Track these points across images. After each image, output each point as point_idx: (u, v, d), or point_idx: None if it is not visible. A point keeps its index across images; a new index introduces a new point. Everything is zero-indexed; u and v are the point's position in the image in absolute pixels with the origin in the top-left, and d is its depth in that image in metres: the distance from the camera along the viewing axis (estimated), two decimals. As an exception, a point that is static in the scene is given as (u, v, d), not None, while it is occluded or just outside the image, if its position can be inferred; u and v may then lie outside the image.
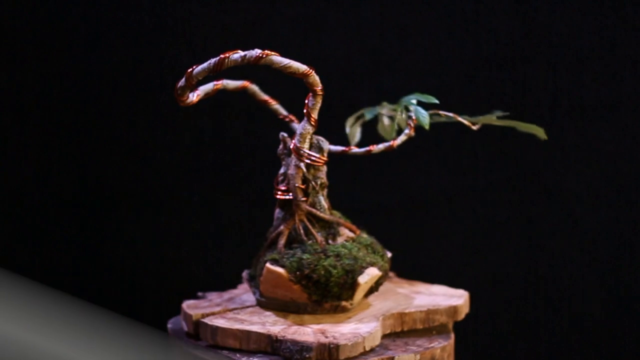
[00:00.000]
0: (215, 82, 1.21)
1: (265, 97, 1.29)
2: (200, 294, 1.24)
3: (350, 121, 1.28)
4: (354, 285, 1.08)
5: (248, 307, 1.14)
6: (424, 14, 1.58)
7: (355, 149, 1.19)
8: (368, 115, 1.24)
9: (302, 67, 1.10)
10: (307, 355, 1.00)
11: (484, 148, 1.63)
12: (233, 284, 1.30)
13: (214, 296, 1.21)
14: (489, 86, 1.60)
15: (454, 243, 1.65)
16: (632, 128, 1.58)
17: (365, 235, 1.16)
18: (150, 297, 1.69)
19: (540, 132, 1.21)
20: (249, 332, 1.04)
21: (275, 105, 1.29)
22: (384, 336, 1.08)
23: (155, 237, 1.67)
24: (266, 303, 1.12)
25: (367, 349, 1.02)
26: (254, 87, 1.29)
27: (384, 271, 1.12)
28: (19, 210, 1.65)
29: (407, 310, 1.10)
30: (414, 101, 1.19)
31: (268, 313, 1.11)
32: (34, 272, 1.67)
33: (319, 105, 1.11)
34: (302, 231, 1.11)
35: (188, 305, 1.16)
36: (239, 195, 1.66)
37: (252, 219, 1.65)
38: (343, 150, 1.19)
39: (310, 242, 1.10)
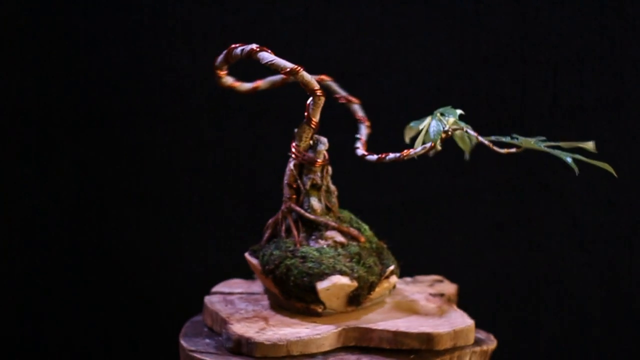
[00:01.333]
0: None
1: (342, 93, 1.25)
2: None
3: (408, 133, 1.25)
4: (314, 290, 1.07)
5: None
6: (424, 14, 1.58)
7: (390, 155, 1.17)
8: (414, 125, 1.19)
9: (287, 66, 1.10)
10: (227, 345, 1.03)
11: (484, 148, 1.62)
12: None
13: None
14: (489, 86, 1.59)
15: (454, 243, 1.65)
16: (632, 128, 1.58)
17: (373, 243, 1.14)
18: (150, 296, 1.69)
19: (607, 168, 1.16)
20: (217, 313, 1.12)
21: (354, 105, 1.26)
22: (354, 348, 1.06)
23: (155, 237, 1.67)
24: (266, 291, 1.17)
25: (294, 353, 1.01)
26: (330, 82, 1.25)
27: (363, 282, 1.08)
28: (19, 211, 1.65)
29: (373, 327, 1.06)
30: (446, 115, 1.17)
31: (264, 303, 1.14)
32: (34, 273, 1.67)
33: (317, 105, 1.11)
34: (282, 227, 1.12)
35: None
36: (239, 195, 1.66)
37: (252, 219, 1.65)
38: (379, 158, 1.16)
39: (287, 239, 1.11)
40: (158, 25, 1.60)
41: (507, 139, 1.11)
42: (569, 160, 1.07)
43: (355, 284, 1.07)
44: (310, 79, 1.10)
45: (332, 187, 1.16)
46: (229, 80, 1.21)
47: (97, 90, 1.62)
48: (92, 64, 1.61)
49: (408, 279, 1.28)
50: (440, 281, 1.28)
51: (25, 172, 1.63)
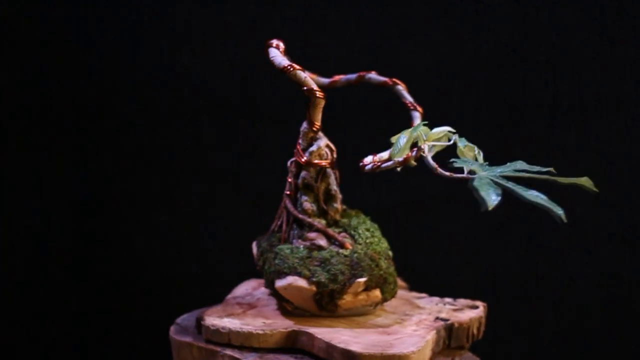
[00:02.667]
0: (360, 73, 1.17)
1: (409, 99, 1.22)
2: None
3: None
4: (273, 287, 1.10)
5: None
6: (424, 14, 1.58)
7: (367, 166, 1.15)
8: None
9: (280, 64, 1.11)
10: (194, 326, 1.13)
11: (484, 148, 1.62)
12: (233, 283, 1.30)
13: None
14: (489, 86, 1.59)
15: (454, 243, 1.65)
16: (632, 128, 1.58)
17: (362, 254, 1.11)
18: (150, 296, 1.69)
19: (587, 183, 1.14)
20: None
21: (415, 112, 1.22)
22: (300, 352, 1.06)
23: (155, 237, 1.67)
24: None
25: (235, 343, 1.07)
26: (400, 88, 1.22)
27: (322, 288, 1.07)
28: (19, 211, 1.65)
29: (315, 334, 1.05)
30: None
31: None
32: (34, 273, 1.67)
33: (314, 106, 1.11)
34: (277, 221, 1.15)
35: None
36: (239, 195, 1.66)
37: (252, 219, 1.65)
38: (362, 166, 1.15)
39: (277, 233, 1.15)
40: (158, 25, 1.60)
41: (468, 165, 1.07)
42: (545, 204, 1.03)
43: (313, 288, 1.07)
44: (305, 78, 1.10)
45: (334, 190, 1.15)
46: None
47: (97, 90, 1.62)
48: (92, 64, 1.61)
49: (447, 299, 1.20)
50: (475, 307, 1.18)
51: (26, 172, 1.63)
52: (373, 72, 1.21)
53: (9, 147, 1.63)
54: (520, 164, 1.02)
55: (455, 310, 1.14)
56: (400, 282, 1.24)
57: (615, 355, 1.65)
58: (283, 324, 1.08)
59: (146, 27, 1.60)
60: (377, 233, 1.15)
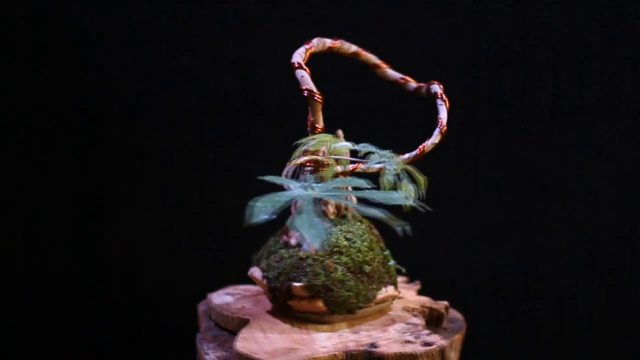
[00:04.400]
0: (332, 41, 1.17)
1: (377, 61, 1.24)
2: None
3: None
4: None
5: None
6: (424, 14, 1.58)
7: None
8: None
9: (292, 60, 1.13)
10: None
11: (484, 148, 1.63)
12: (232, 282, 1.30)
13: None
14: (489, 86, 1.60)
15: (454, 243, 1.65)
16: (632, 128, 1.58)
17: (319, 255, 1.10)
18: (150, 296, 1.69)
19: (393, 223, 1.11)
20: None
21: (386, 69, 1.24)
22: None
23: (155, 237, 1.67)
24: None
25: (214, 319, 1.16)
26: (367, 54, 1.24)
27: (269, 284, 1.09)
28: (19, 211, 1.65)
29: (245, 329, 1.09)
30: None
31: None
32: (34, 273, 1.67)
33: (312, 107, 1.12)
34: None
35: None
36: (239, 195, 1.66)
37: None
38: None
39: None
40: (158, 25, 1.60)
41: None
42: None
43: (264, 282, 1.12)
44: (302, 77, 1.11)
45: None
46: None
47: (97, 90, 1.62)
48: (92, 64, 1.61)
49: (424, 331, 1.12)
50: (429, 344, 1.05)
51: (26, 172, 1.63)
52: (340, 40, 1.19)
53: (9, 147, 1.63)
54: (357, 181, 0.98)
55: (405, 342, 1.05)
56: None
57: (616, 355, 1.65)
58: (250, 312, 1.12)
59: (146, 27, 1.60)
60: (360, 244, 1.11)
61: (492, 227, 1.64)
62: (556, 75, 1.58)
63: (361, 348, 1.01)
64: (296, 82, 1.12)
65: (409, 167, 1.09)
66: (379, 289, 1.11)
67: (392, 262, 1.15)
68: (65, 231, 1.66)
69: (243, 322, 1.11)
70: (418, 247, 1.66)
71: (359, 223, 1.14)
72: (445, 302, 1.16)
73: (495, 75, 1.59)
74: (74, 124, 1.63)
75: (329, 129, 1.16)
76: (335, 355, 1.00)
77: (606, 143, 1.59)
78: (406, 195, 1.09)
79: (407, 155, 1.15)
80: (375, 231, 1.16)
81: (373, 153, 1.08)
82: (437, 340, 1.03)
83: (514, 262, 1.64)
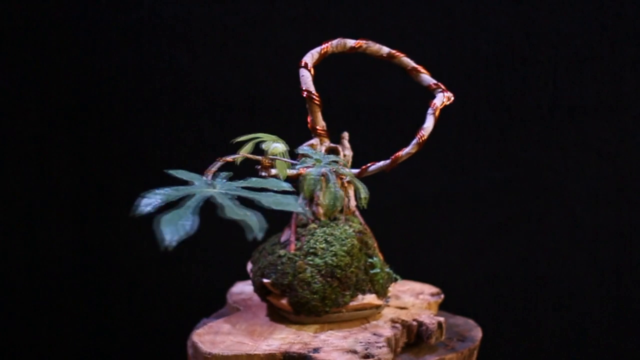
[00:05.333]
0: (356, 41, 1.16)
1: (414, 65, 1.21)
2: None
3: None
4: None
5: None
6: (424, 14, 1.59)
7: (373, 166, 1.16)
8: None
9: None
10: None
11: (484, 148, 1.63)
12: (230, 283, 1.30)
13: None
14: (489, 86, 1.60)
15: (454, 243, 1.65)
16: (632, 128, 1.58)
17: (295, 254, 1.10)
18: (149, 296, 1.69)
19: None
20: None
21: (421, 74, 1.21)
22: None
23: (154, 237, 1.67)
24: None
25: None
26: (402, 57, 1.21)
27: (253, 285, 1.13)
28: (19, 211, 1.65)
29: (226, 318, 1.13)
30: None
31: None
32: (34, 273, 1.67)
33: (310, 109, 1.12)
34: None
35: None
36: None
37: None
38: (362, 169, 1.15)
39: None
40: (158, 25, 1.60)
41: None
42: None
43: (250, 274, 1.16)
44: (301, 77, 1.11)
45: (316, 195, 1.15)
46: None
47: (97, 90, 1.62)
48: (92, 64, 1.61)
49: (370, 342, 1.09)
50: (369, 356, 1.05)
51: (25, 172, 1.63)
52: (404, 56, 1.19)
53: (9, 147, 1.63)
54: (254, 181, 0.97)
55: (349, 351, 1.02)
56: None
57: (616, 355, 1.65)
58: (251, 303, 1.16)
59: (146, 27, 1.60)
60: (338, 248, 1.10)
61: (492, 227, 1.64)
62: (556, 75, 1.58)
63: (301, 352, 1.00)
64: (297, 82, 1.12)
65: (353, 178, 1.07)
66: (354, 295, 1.09)
67: (375, 270, 1.11)
68: (65, 231, 1.66)
69: (236, 311, 1.14)
70: (418, 247, 1.66)
71: (346, 227, 1.12)
72: (441, 319, 1.10)
73: (495, 75, 1.59)
74: (74, 124, 1.63)
75: (330, 129, 1.16)
76: (274, 355, 1.00)
77: (606, 143, 1.59)
78: (324, 202, 1.06)
79: (381, 164, 1.14)
80: (367, 238, 1.14)
81: (308, 157, 1.07)
82: (382, 354, 1.00)
83: (514, 262, 1.64)
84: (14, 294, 1.68)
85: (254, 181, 0.97)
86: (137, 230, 1.67)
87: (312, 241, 1.10)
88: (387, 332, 1.06)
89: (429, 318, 1.10)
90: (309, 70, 1.12)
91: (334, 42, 1.15)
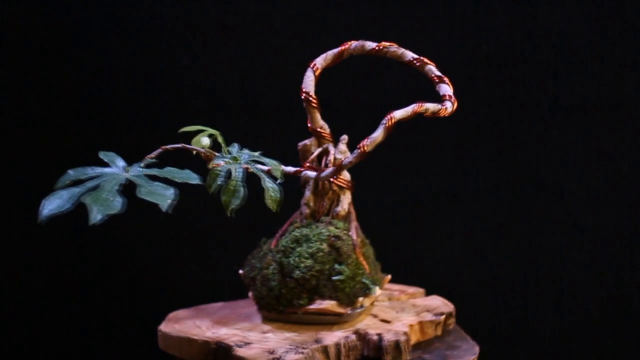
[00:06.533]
0: (375, 44, 1.14)
1: (438, 73, 1.18)
2: None
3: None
4: None
5: None
6: (424, 14, 1.58)
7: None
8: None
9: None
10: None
11: (484, 148, 1.63)
12: (232, 284, 1.30)
13: None
14: (489, 86, 1.60)
15: (454, 243, 1.65)
16: (632, 128, 1.58)
17: (272, 249, 1.12)
18: (149, 296, 1.69)
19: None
20: None
21: (440, 84, 1.18)
22: None
23: (155, 237, 1.67)
24: None
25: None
26: (430, 66, 1.19)
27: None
28: (19, 212, 1.65)
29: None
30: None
31: None
32: (34, 274, 1.67)
33: (308, 111, 1.13)
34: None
35: None
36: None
37: (251, 219, 1.65)
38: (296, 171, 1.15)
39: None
40: (158, 25, 1.60)
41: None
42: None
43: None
44: (305, 77, 1.11)
45: (306, 195, 1.15)
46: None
47: (97, 91, 1.62)
48: (92, 64, 1.61)
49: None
50: None
51: (25, 173, 1.63)
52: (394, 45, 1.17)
53: (8, 146, 1.63)
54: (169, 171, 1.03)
55: (268, 352, 1.02)
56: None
57: (616, 355, 1.65)
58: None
59: (146, 27, 1.60)
60: (303, 249, 1.10)
61: (492, 227, 1.64)
62: (556, 75, 1.58)
63: (231, 344, 1.03)
64: (297, 82, 1.12)
65: (264, 178, 1.06)
66: (311, 299, 1.08)
67: (338, 277, 1.08)
68: (65, 231, 1.66)
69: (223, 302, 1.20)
70: (418, 247, 1.66)
71: (322, 230, 1.11)
72: (402, 338, 1.05)
73: (495, 75, 1.59)
74: (74, 124, 1.63)
75: (332, 129, 1.16)
76: (208, 342, 1.04)
77: (606, 143, 1.59)
78: (222, 198, 1.07)
79: (309, 172, 1.13)
80: (343, 244, 1.10)
81: (219, 154, 1.10)
82: (290, 359, 1.00)
83: (514, 262, 1.64)
84: (14, 294, 1.68)
85: (165, 170, 1.02)
86: (137, 230, 1.67)
87: (285, 240, 1.11)
88: (331, 340, 1.04)
89: (393, 335, 1.06)
90: (314, 72, 1.12)
91: (354, 44, 1.14)
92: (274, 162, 1.08)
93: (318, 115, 1.13)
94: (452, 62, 1.59)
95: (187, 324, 1.11)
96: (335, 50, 1.14)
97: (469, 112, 1.61)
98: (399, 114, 1.08)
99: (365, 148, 1.06)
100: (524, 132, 1.61)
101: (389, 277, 1.16)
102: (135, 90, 1.62)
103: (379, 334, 1.05)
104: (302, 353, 1.01)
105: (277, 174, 1.06)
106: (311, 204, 1.14)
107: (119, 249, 1.67)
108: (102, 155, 1.06)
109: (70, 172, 1.04)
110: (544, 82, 1.58)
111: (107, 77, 1.62)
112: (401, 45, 1.64)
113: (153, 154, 1.09)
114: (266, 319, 1.12)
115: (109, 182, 0.99)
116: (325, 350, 1.02)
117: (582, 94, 1.58)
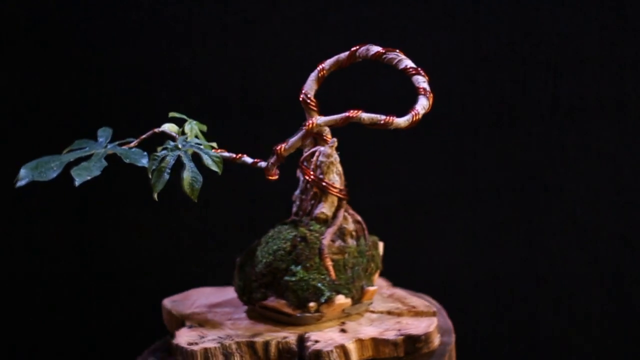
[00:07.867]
0: (378, 49, 1.16)
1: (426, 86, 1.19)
2: None
3: None
4: None
5: None
6: (424, 14, 1.58)
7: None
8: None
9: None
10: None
11: (484, 148, 1.63)
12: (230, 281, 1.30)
13: None
14: (489, 86, 1.60)
15: (454, 243, 1.65)
16: (632, 128, 1.58)
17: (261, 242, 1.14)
18: (149, 296, 1.69)
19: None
20: None
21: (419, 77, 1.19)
22: None
23: (155, 237, 1.67)
24: None
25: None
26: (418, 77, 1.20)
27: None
28: (19, 212, 1.65)
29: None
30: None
31: None
32: (34, 274, 1.67)
33: (306, 111, 1.13)
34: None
35: None
36: (238, 195, 1.66)
37: (251, 219, 1.65)
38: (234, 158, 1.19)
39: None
40: (158, 25, 1.60)
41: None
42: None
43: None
44: (310, 77, 1.12)
45: (295, 193, 1.16)
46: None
47: (96, 90, 1.62)
48: (92, 64, 1.61)
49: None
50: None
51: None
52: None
53: (8, 146, 1.63)
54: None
55: (223, 348, 1.06)
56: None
57: (616, 355, 1.65)
58: None
59: (146, 27, 1.60)
60: (269, 247, 1.11)
61: (492, 227, 1.64)
62: (556, 75, 1.58)
63: (194, 325, 1.12)
64: (297, 82, 1.13)
65: (190, 166, 1.13)
66: (265, 295, 1.10)
67: (289, 278, 1.08)
68: (65, 231, 1.66)
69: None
70: (418, 246, 1.66)
71: (292, 230, 1.11)
72: (328, 350, 1.03)
73: (495, 75, 1.59)
74: (74, 124, 1.63)
75: (332, 129, 1.16)
76: (181, 320, 1.15)
77: (606, 143, 1.59)
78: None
79: (262, 163, 1.17)
80: (305, 248, 1.09)
81: (168, 142, 1.15)
82: (198, 349, 1.04)
83: (514, 262, 1.64)
84: (14, 293, 1.68)
85: (119, 149, 1.16)
86: (136, 230, 1.68)
87: (268, 234, 1.14)
88: (262, 338, 1.06)
89: (323, 345, 1.04)
90: (319, 74, 1.12)
91: (360, 48, 1.14)
92: (216, 155, 1.14)
93: (316, 117, 1.13)
94: (452, 62, 1.59)
95: (190, 302, 1.22)
96: (347, 53, 1.14)
97: (469, 112, 1.61)
98: (322, 120, 1.12)
99: (281, 150, 1.13)
100: (524, 132, 1.61)
101: (375, 288, 1.13)
102: (135, 90, 1.62)
103: (315, 341, 1.05)
104: (221, 344, 1.05)
105: (215, 167, 1.14)
106: (297, 202, 1.15)
107: (119, 249, 1.68)
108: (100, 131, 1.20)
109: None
110: (544, 82, 1.58)
111: (107, 76, 1.62)
112: (401, 45, 1.64)
113: (144, 136, 1.19)
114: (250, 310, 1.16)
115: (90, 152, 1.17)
116: (252, 345, 1.05)
117: (582, 94, 1.58)
